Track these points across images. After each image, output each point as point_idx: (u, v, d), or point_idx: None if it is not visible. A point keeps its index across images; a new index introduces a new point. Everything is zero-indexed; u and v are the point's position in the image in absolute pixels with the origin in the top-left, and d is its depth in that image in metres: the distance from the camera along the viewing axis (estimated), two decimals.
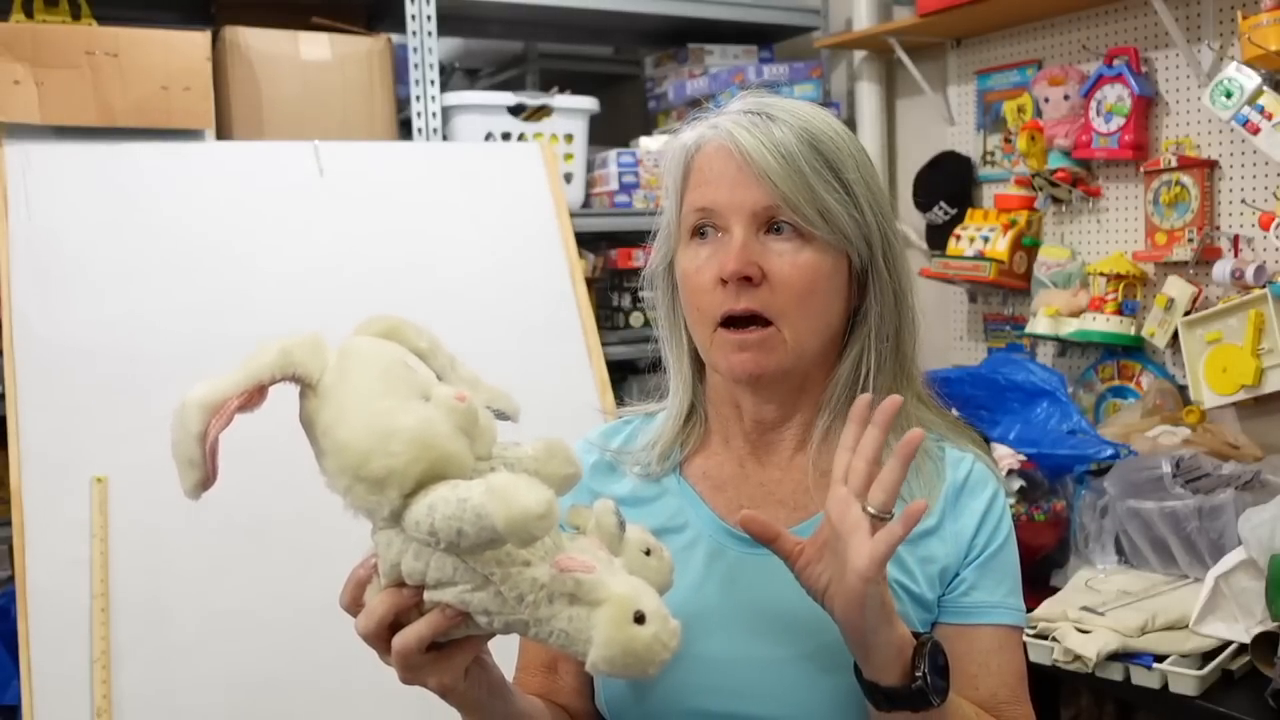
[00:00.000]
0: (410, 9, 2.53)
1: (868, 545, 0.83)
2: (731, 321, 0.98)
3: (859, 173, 1.02)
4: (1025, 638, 1.77)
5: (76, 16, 2.36)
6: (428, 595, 0.80)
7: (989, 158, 2.77)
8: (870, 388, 1.04)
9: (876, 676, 0.89)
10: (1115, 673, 1.71)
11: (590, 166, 2.81)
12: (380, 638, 0.83)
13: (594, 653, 0.75)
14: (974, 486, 1.05)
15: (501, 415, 0.90)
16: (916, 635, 0.91)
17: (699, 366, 1.10)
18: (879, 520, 0.85)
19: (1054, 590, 1.98)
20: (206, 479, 0.79)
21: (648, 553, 0.88)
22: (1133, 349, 2.42)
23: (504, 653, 0.98)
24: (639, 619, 0.75)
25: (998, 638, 1.02)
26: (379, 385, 0.80)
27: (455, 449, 0.79)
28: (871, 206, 1.02)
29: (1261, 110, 2.00)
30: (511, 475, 0.76)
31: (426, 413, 0.79)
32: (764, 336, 0.98)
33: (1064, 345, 2.59)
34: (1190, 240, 2.23)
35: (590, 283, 2.68)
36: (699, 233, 1.01)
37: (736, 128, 0.99)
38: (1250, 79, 2.01)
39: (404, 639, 0.81)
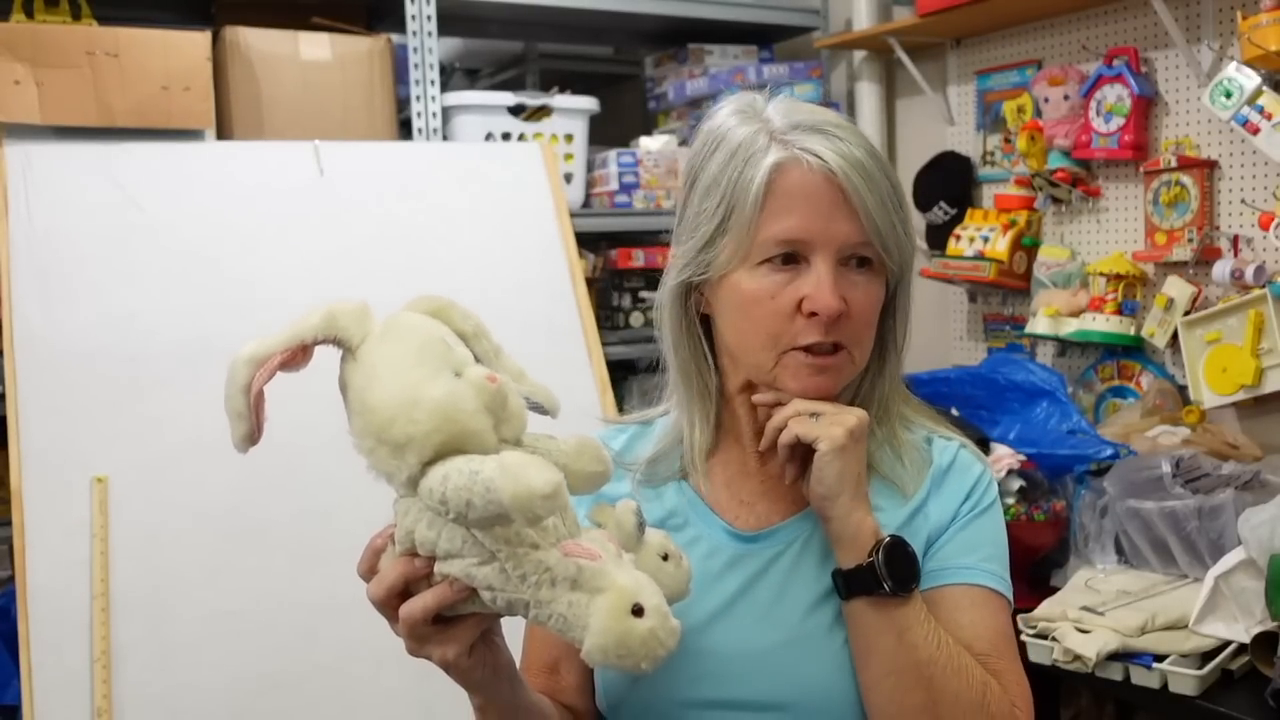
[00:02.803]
0: (410, 9, 2.53)
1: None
2: (815, 347, 0.99)
3: (906, 197, 1.04)
4: (1025, 638, 1.78)
5: (76, 16, 2.36)
6: (437, 567, 0.82)
7: (989, 158, 2.77)
8: (875, 391, 1.08)
9: (841, 562, 0.97)
10: (1115, 673, 1.71)
11: (590, 166, 2.82)
12: (389, 605, 0.85)
13: (589, 641, 0.76)
14: (960, 468, 1.08)
15: (539, 409, 0.91)
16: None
17: (716, 374, 1.09)
18: None
19: (1054, 590, 1.98)
20: (252, 432, 0.82)
21: (665, 558, 0.89)
22: (1132, 349, 2.42)
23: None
24: (637, 612, 0.76)
25: (969, 595, 1.02)
26: (413, 356, 0.83)
27: (477, 425, 0.81)
28: (911, 228, 1.04)
29: (1261, 110, 2.00)
30: (526, 455, 0.78)
31: (454, 387, 0.81)
32: (840, 361, 1.01)
33: (1064, 345, 2.59)
34: (1190, 240, 2.23)
35: (590, 283, 2.68)
36: (783, 259, 0.98)
37: (831, 152, 0.97)
38: (1250, 79, 2.01)
39: (410, 608, 0.83)
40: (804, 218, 0.97)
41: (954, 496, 1.06)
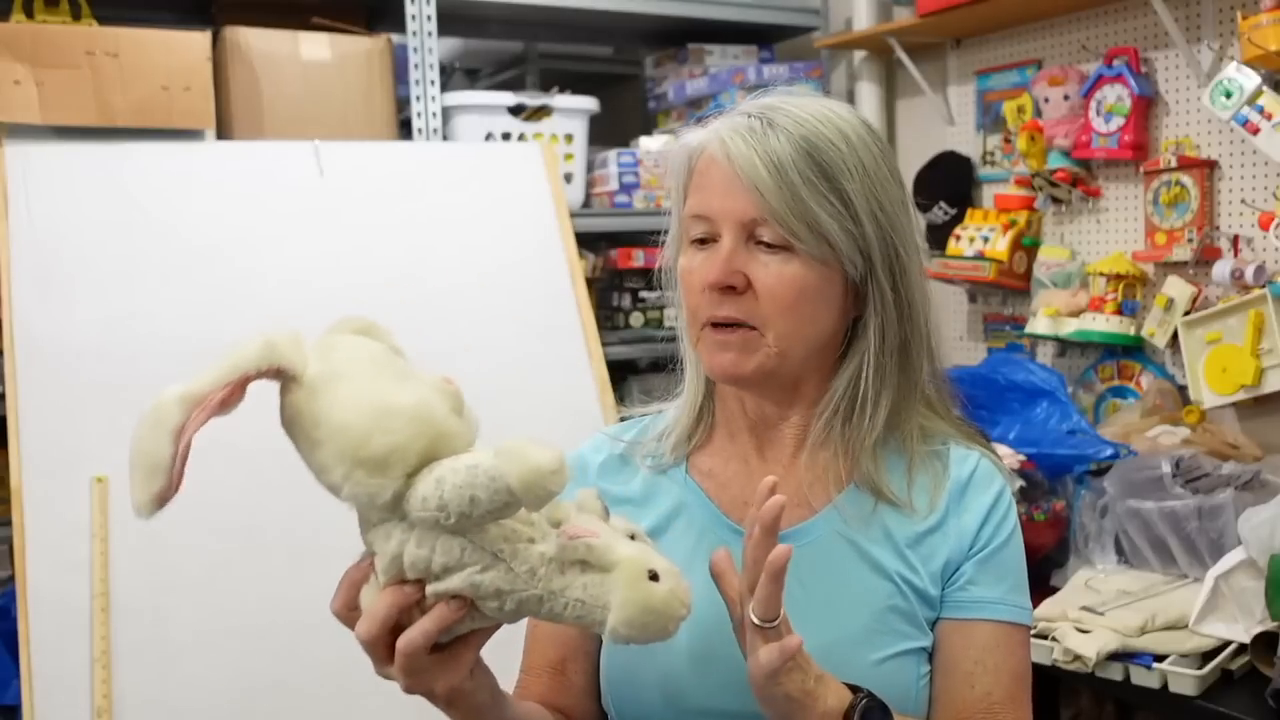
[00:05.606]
0: (410, 9, 2.53)
1: (760, 652, 0.85)
2: (716, 323, 1.00)
3: (863, 182, 0.99)
4: None
5: (76, 16, 2.36)
6: (431, 589, 0.79)
7: (989, 158, 2.76)
8: (870, 400, 1.03)
9: None
10: (1115, 673, 1.71)
11: (590, 166, 2.81)
12: (383, 642, 0.81)
13: (613, 616, 0.76)
14: (979, 483, 1.05)
15: None
16: (855, 691, 0.90)
17: None
18: (766, 629, 0.85)
19: (1054, 590, 1.98)
20: (169, 489, 0.74)
21: (633, 538, 0.87)
22: (1132, 349, 2.42)
23: (504, 659, 0.98)
24: (653, 577, 0.76)
25: (996, 635, 1.01)
26: (370, 369, 0.80)
27: (454, 427, 0.79)
28: (875, 217, 0.99)
29: (1261, 110, 2.00)
30: (518, 438, 0.76)
31: (423, 391, 0.79)
32: (746, 338, 0.99)
33: (1064, 345, 2.59)
34: (1190, 240, 2.23)
35: (590, 283, 2.68)
36: (697, 237, 1.02)
37: (732, 135, 0.99)
38: (1250, 79, 2.01)
39: (409, 638, 0.80)
40: (706, 194, 1.00)
41: (974, 517, 1.03)
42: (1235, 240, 2.19)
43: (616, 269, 2.81)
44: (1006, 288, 2.61)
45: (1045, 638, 1.79)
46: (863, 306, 1.03)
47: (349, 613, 0.84)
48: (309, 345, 0.82)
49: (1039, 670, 1.76)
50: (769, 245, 0.98)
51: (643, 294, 2.79)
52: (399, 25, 2.55)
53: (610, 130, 3.06)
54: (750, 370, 1.00)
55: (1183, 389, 2.29)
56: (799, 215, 0.97)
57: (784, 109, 1.00)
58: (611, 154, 2.77)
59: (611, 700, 1.06)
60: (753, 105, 1.03)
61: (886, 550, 1.02)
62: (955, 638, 1.00)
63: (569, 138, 2.71)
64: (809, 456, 1.05)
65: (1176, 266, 2.30)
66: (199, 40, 2.26)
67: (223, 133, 2.34)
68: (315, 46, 2.45)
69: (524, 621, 0.87)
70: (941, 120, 2.86)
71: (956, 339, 2.89)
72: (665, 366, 1.15)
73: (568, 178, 2.69)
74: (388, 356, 0.83)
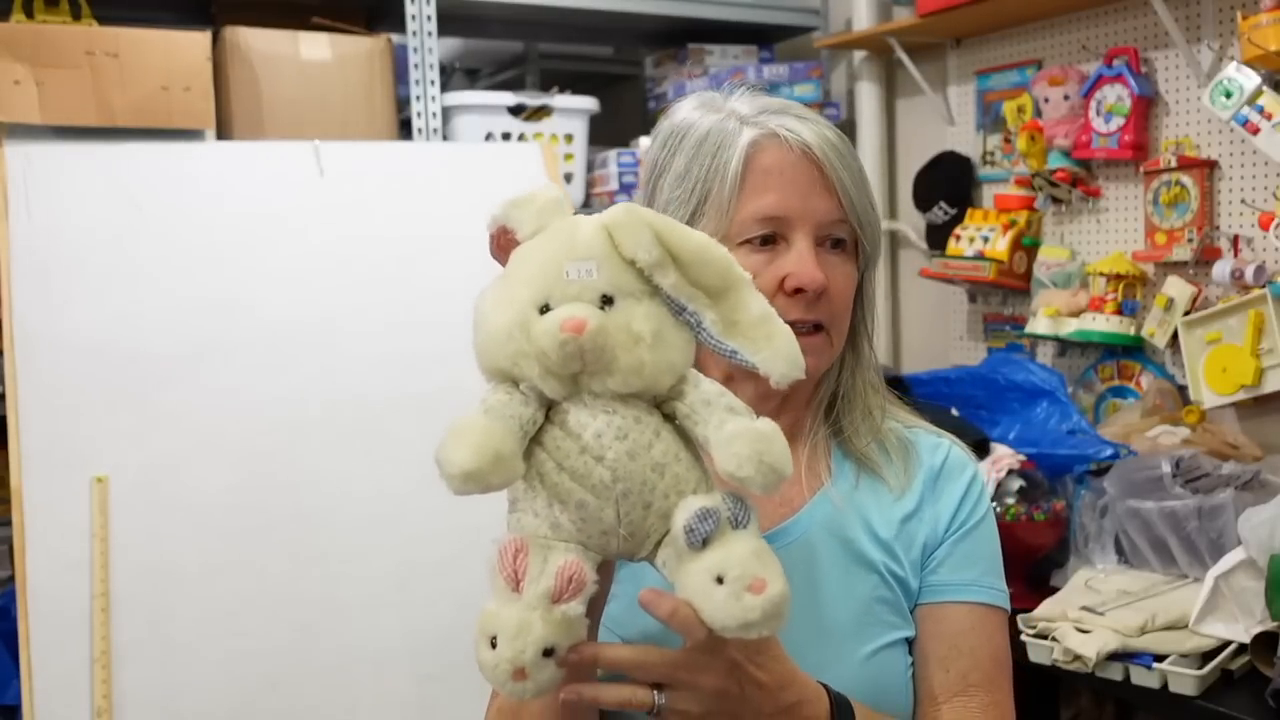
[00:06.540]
0: (410, 9, 2.53)
1: None
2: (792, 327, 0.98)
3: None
4: (1025, 638, 1.78)
5: (77, 16, 2.36)
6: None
7: (989, 158, 2.76)
8: (859, 390, 1.07)
9: None
10: (1115, 673, 1.71)
11: (590, 166, 2.82)
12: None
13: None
14: (952, 470, 1.07)
15: (754, 369, 0.82)
16: (828, 690, 0.89)
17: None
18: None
19: (1054, 590, 1.98)
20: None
21: (720, 581, 0.76)
22: (1133, 349, 2.42)
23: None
24: (492, 642, 0.75)
25: (970, 617, 1.01)
26: (524, 271, 0.83)
27: (520, 372, 0.80)
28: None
29: (1261, 110, 2.00)
30: (476, 422, 0.77)
31: (512, 322, 0.80)
32: (821, 343, 1.00)
33: (1064, 345, 2.59)
34: (1190, 240, 2.23)
35: None
36: (763, 240, 0.98)
37: (806, 131, 0.98)
38: (1250, 79, 2.01)
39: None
40: (783, 194, 0.97)
41: (949, 502, 1.05)
42: (1235, 240, 2.19)
43: None
44: (1006, 288, 2.61)
45: (1045, 638, 1.79)
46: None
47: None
48: (566, 211, 0.86)
49: (1039, 670, 1.76)
50: (834, 247, 1.00)
51: None
52: (399, 25, 2.55)
53: (610, 130, 3.05)
54: (818, 372, 1.02)
55: (1183, 389, 2.29)
56: (866, 215, 1.00)
57: (806, 111, 1.02)
58: (611, 154, 2.78)
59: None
60: (775, 103, 1.02)
61: (870, 541, 1.02)
62: (929, 622, 1.01)
63: (569, 138, 2.72)
64: (800, 456, 1.06)
65: (1176, 266, 2.30)
66: (199, 40, 2.26)
67: (223, 133, 2.34)
68: (315, 46, 2.45)
69: None
70: (941, 120, 2.86)
71: (956, 339, 2.89)
72: None
73: (568, 178, 2.69)
74: (555, 268, 0.80)
